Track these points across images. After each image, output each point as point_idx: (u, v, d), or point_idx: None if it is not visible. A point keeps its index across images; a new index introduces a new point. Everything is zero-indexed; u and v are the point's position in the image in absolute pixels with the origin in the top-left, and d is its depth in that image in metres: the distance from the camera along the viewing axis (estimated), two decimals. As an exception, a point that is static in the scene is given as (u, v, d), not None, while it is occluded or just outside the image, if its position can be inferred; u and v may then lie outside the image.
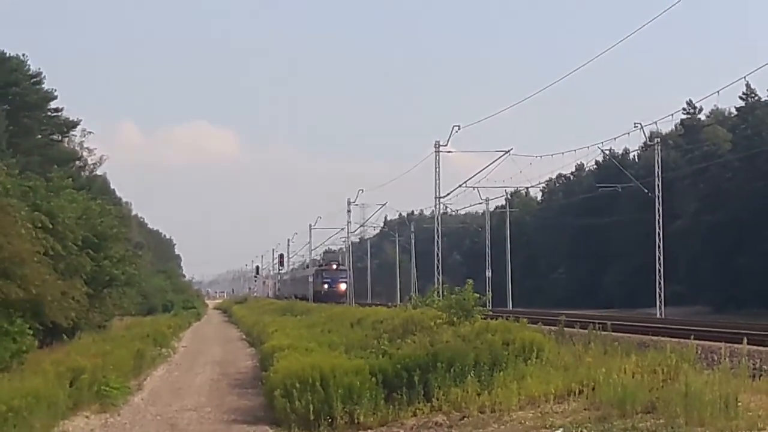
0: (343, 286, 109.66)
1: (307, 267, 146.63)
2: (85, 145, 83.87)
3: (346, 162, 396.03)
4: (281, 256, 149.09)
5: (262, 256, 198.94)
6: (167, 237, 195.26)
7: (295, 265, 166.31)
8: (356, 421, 23.40)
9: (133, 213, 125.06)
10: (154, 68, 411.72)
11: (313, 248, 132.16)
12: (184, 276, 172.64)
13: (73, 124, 79.00)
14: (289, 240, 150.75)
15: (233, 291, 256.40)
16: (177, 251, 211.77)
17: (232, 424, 25.07)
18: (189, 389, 33.39)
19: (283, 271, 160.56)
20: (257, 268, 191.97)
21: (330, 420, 23.41)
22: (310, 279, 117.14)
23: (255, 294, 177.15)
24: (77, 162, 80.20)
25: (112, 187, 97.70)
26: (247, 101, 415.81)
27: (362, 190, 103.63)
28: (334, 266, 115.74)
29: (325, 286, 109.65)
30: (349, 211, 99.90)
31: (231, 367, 41.70)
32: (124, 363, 33.89)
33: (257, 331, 56.43)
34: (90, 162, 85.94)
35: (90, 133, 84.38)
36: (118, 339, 42.40)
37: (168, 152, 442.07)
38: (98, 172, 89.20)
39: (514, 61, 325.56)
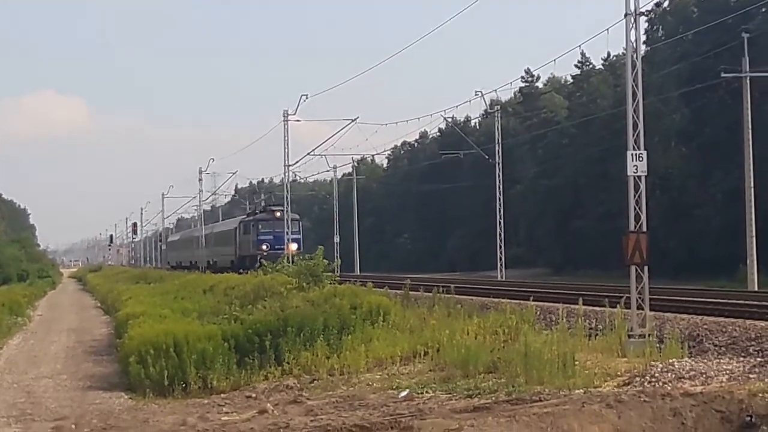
0: (294, 246, 67.20)
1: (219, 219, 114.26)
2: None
3: (197, 131, 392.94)
4: (135, 224, 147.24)
5: (116, 225, 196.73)
6: (21, 207, 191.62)
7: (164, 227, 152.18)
8: (209, 385, 23.78)
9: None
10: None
11: (165, 216, 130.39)
12: (39, 245, 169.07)
13: None
14: (142, 208, 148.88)
15: (88, 260, 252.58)
16: (32, 221, 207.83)
17: (88, 390, 25.10)
18: (45, 357, 33.24)
19: (147, 230, 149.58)
20: (111, 236, 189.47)
21: (184, 385, 23.79)
22: (236, 236, 79.18)
23: (109, 262, 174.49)
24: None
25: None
26: (95, 70, 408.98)
27: (213, 159, 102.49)
28: (278, 214, 72.70)
29: (265, 246, 71.26)
30: (200, 179, 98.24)
31: (86, 334, 41.52)
32: (-21, 332, 33.77)
33: (111, 299, 56.24)
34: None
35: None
36: (-27, 309, 42.03)
37: (16, 122, 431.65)
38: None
39: (359, 31, 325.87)
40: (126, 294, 52.00)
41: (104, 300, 63.53)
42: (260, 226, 74.43)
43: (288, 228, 67.70)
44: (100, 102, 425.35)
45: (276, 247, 68.25)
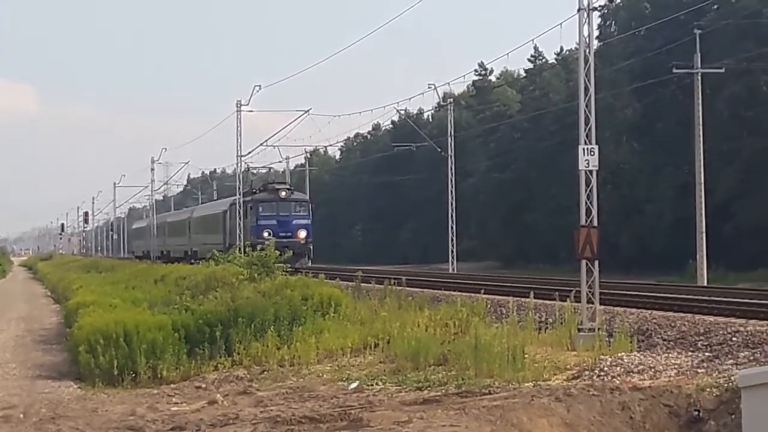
0: (302, 233, 60.64)
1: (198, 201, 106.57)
2: None
3: (150, 121, 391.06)
4: (86, 213, 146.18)
5: (67, 214, 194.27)
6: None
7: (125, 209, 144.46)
8: (159, 375, 23.83)
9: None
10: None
11: (117, 206, 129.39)
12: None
13: None
14: (93, 198, 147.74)
15: (39, 248, 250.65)
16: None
17: (37, 379, 24.99)
18: (-7, 346, 33.05)
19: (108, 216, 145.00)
20: (62, 225, 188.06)
21: (134, 375, 23.82)
22: (225, 219, 67.79)
23: (60, 251, 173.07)
24: None
25: None
26: (46, 57, 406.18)
27: (165, 148, 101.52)
28: (283, 193, 62.64)
29: (267, 233, 55.86)
30: (152, 169, 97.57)
31: (36, 323, 41.21)
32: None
33: (62, 288, 55.94)
34: None
35: None
36: None
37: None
38: None
39: (313, 22, 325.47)
40: (77, 283, 51.73)
41: (55, 289, 63.18)
42: (260, 209, 61.32)
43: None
44: (50, 90, 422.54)
45: (280, 234, 56.98)
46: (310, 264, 56.11)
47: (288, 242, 53.82)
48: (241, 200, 63.82)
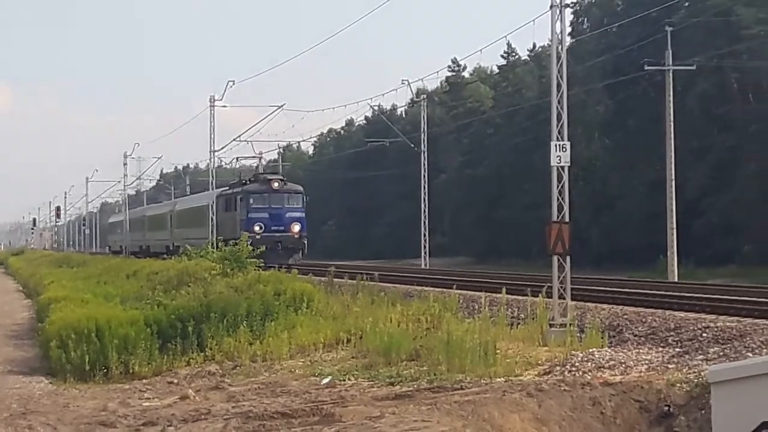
0: (296, 227, 55.70)
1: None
2: None
3: (122, 116, 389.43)
4: (58, 208, 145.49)
5: (39, 209, 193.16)
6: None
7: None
8: (131, 371, 23.78)
9: None
10: None
11: (89, 201, 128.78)
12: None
13: None
14: (66, 192, 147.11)
15: (10, 243, 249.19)
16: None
17: (8, 375, 24.86)
18: (-36, 342, 32.85)
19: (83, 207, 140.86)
20: (34, 220, 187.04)
21: (105, 370, 23.77)
22: (212, 211, 61.18)
23: (32, 246, 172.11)
24: None
25: None
26: (18, 53, 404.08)
27: (138, 143, 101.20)
28: (275, 184, 57.70)
29: (258, 227, 54.11)
30: (125, 164, 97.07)
31: (7, 318, 40.98)
32: None
33: (34, 283, 55.75)
34: None
35: None
36: None
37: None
38: None
39: (287, 17, 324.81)
40: (48, 278, 51.60)
41: (26, 284, 62.96)
42: (251, 200, 56.52)
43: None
44: (23, 86, 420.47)
45: (272, 228, 54.44)
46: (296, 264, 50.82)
47: (281, 236, 53.57)
48: (215, 194, 62.45)
